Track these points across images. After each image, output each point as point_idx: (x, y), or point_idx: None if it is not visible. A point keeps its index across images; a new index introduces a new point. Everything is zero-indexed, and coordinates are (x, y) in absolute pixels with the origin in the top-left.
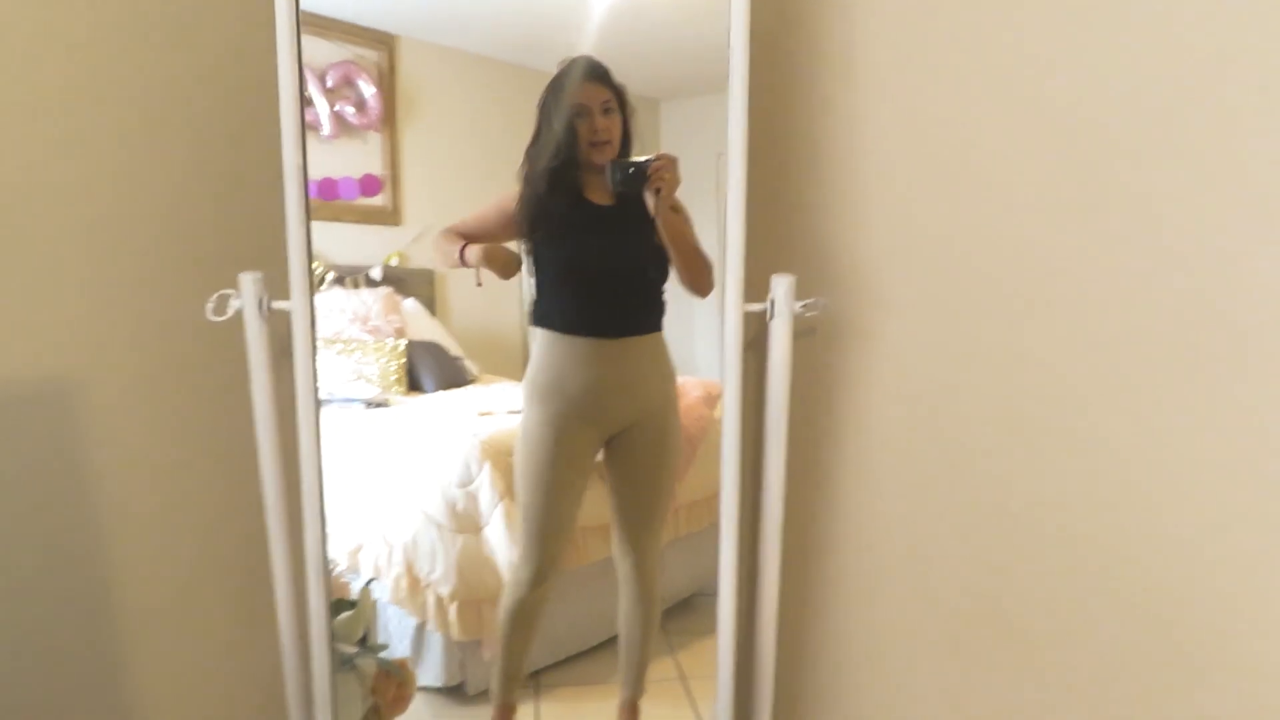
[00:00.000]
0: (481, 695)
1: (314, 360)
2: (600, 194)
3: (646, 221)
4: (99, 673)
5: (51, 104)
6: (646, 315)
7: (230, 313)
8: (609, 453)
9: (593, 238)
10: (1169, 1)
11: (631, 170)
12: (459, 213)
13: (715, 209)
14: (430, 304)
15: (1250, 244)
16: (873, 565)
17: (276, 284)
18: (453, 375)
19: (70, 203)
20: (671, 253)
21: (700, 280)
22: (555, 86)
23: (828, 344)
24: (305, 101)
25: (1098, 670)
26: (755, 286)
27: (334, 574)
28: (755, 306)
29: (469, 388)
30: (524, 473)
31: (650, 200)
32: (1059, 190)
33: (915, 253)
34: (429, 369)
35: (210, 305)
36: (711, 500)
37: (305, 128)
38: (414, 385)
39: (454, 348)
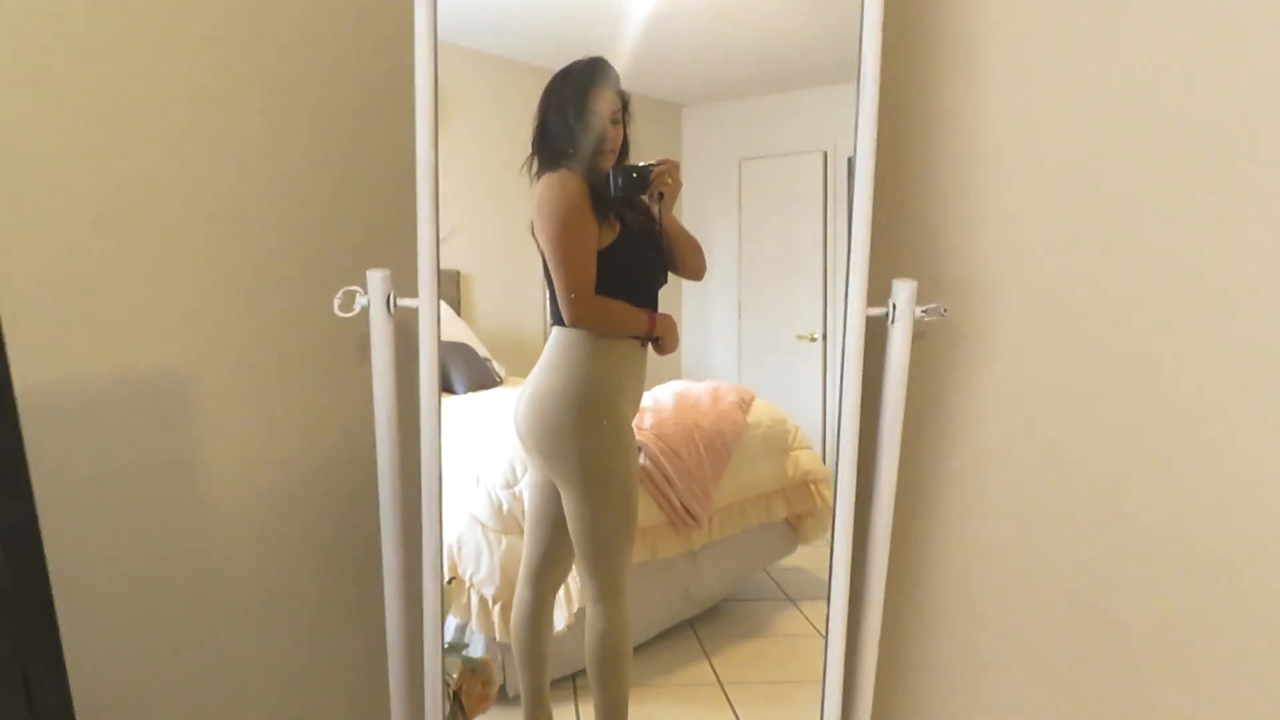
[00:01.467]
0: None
1: (438, 357)
2: None
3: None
4: (203, 665)
5: (176, 101)
6: None
7: (356, 309)
8: None
9: (628, 237)
10: None
11: (635, 175)
12: (488, 216)
13: (736, 214)
14: (457, 305)
15: None
16: (979, 572)
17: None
18: (482, 377)
19: (190, 198)
20: (678, 249)
21: (701, 265)
22: (568, 82)
23: (937, 350)
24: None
25: (1213, 683)
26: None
27: None
28: (876, 311)
29: (498, 389)
30: (622, 500)
31: (653, 205)
32: (1185, 197)
33: (1032, 259)
34: (459, 370)
35: (337, 301)
36: (744, 505)
37: (438, 126)
38: (445, 387)
39: (481, 349)
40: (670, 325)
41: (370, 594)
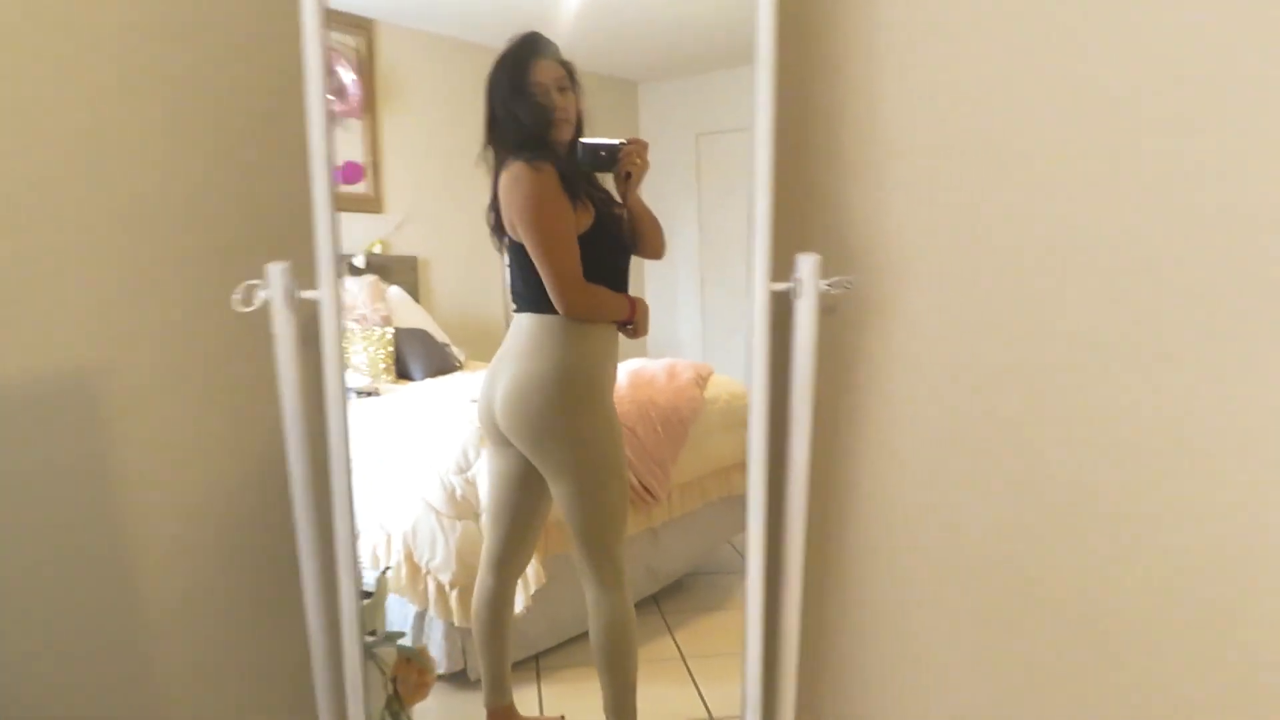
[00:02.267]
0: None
1: (341, 349)
2: None
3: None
4: (124, 666)
5: (74, 98)
6: None
7: (258, 303)
8: None
9: (602, 221)
10: None
11: (603, 153)
12: (442, 199)
13: (696, 189)
14: (414, 291)
15: None
16: (897, 539)
17: (299, 272)
18: (441, 362)
19: (90, 196)
20: (643, 230)
21: (663, 243)
22: (507, 65)
23: (848, 322)
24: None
25: (1127, 639)
26: (776, 266)
27: None
28: (781, 286)
29: (457, 374)
30: (617, 481)
31: (619, 184)
32: (1083, 162)
33: (937, 227)
34: (417, 356)
35: (237, 296)
36: (704, 480)
37: (332, 115)
38: (402, 373)
39: (440, 334)
40: (646, 311)
41: (293, 591)
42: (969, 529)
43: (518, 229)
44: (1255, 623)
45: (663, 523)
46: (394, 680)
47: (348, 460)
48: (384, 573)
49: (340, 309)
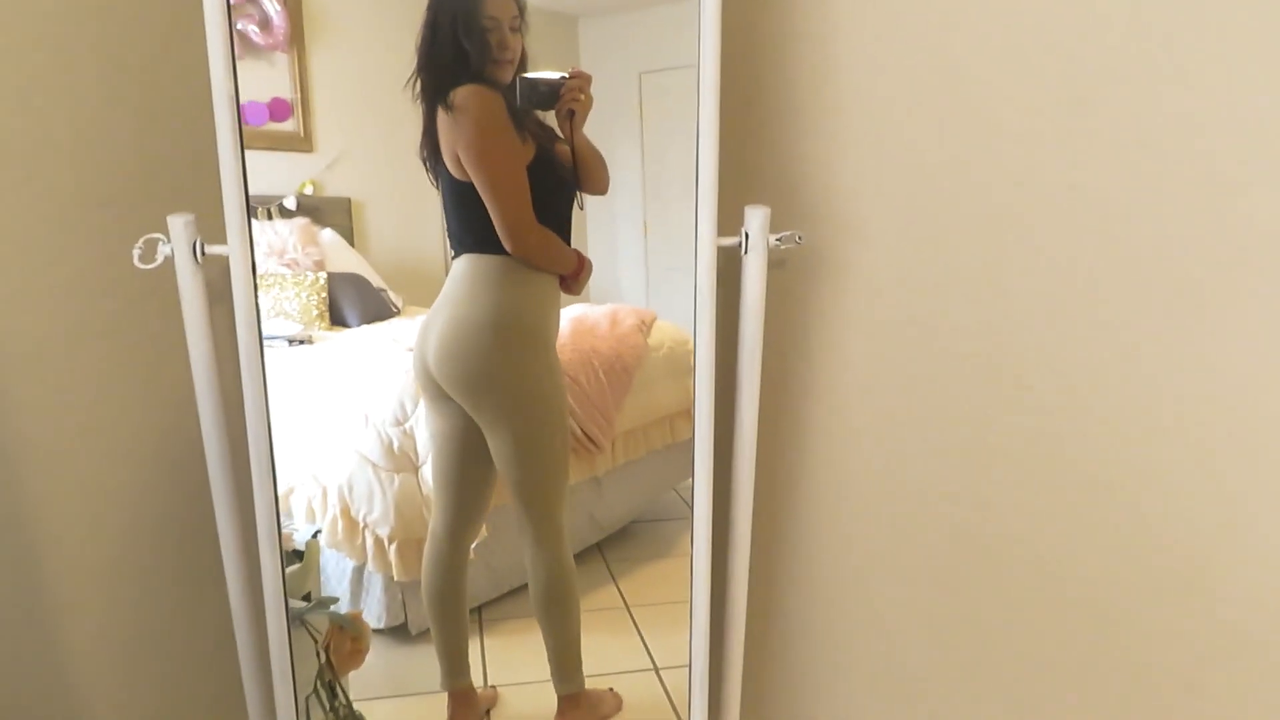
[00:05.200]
0: (423, 635)
1: (255, 306)
2: None
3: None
4: (30, 645)
5: None
6: None
7: (160, 260)
8: None
9: (544, 156)
10: None
11: (545, 88)
12: (376, 137)
13: (638, 129)
14: (348, 234)
15: (1253, 171)
16: (846, 499)
17: (205, 224)
18: (376, 308)
19: None
20: (587, 167)
21: (607, 177)
22: None
23: (796, 277)
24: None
25: (1078, 600)
26: (722, 218)
27: None
28: (728, 240)
29: (393, 321)
30: (560, 434)
31: (562, 122)
32: (1047, 112)
33: (892, 178)
34: (352, 302)
35: (137, 252)
36: (648, 428)
37: (235, 52)
38: (336, 320)
39: (376, 279)
40: (590, 269)
41: (213, 559)
42: (919, 491)
43: (463, 161)
44: (1219, 584)
45: (606, 471)
46: (326, 649)
47: (267, 425)
48: (315, 535)
49: (253, 264)
